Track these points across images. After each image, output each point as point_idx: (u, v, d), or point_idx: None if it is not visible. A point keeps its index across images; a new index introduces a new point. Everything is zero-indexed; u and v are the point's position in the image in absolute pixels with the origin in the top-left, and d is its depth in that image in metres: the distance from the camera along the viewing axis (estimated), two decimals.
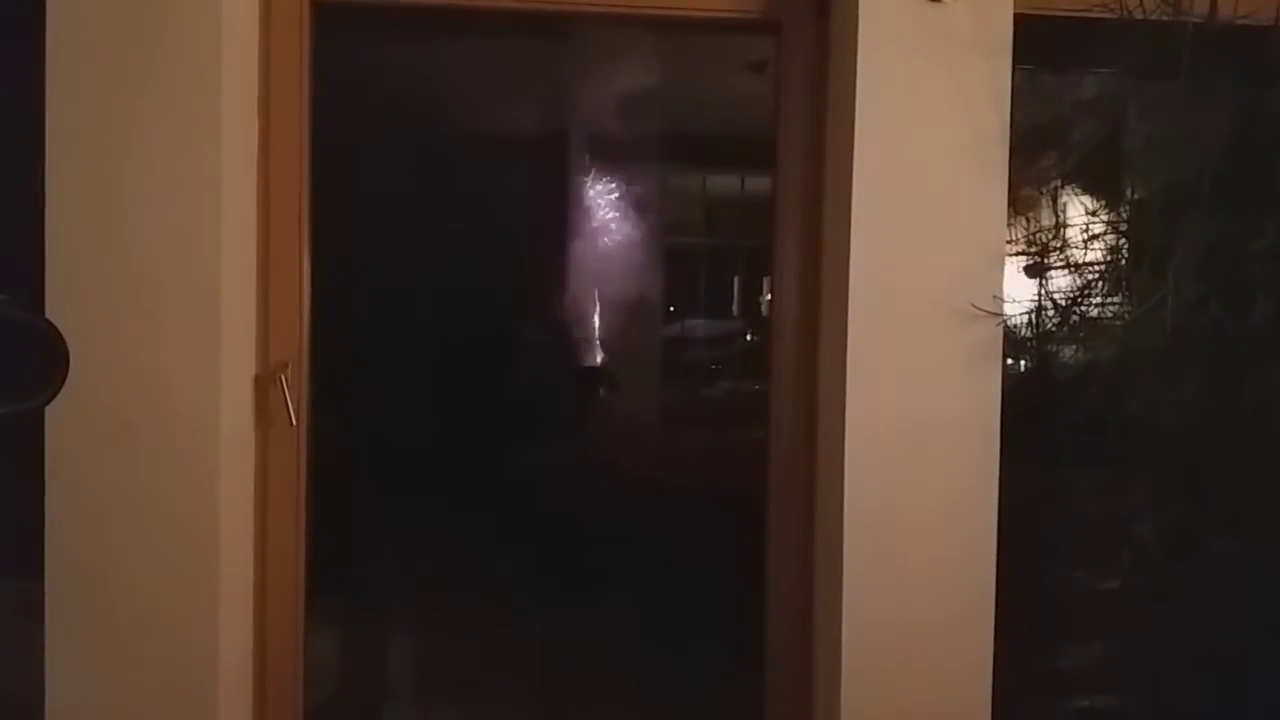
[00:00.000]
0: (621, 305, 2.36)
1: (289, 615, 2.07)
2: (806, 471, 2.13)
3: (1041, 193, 2.07)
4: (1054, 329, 2.02)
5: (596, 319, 2.35)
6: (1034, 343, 2.07)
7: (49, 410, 1.64)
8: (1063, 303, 1.98)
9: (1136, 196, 2.02)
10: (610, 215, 2.34)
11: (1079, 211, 2.04)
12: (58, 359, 1.09)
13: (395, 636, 2.41)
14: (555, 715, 2.41)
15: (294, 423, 2.00)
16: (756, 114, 2.18)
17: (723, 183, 2.50)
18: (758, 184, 2.24)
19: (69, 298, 1.79)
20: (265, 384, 2.01)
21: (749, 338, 2.48)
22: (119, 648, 1.83)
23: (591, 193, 2.32)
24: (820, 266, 2.10)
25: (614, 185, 2.34)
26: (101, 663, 1.83)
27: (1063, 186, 2.08)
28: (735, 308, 2.49)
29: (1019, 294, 2.02)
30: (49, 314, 1.64)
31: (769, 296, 2.23)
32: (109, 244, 1.82)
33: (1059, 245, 2.00)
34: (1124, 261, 1.95)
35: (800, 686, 2.14)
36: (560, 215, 2.33)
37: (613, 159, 2.33)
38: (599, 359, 2.39)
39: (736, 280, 2.49)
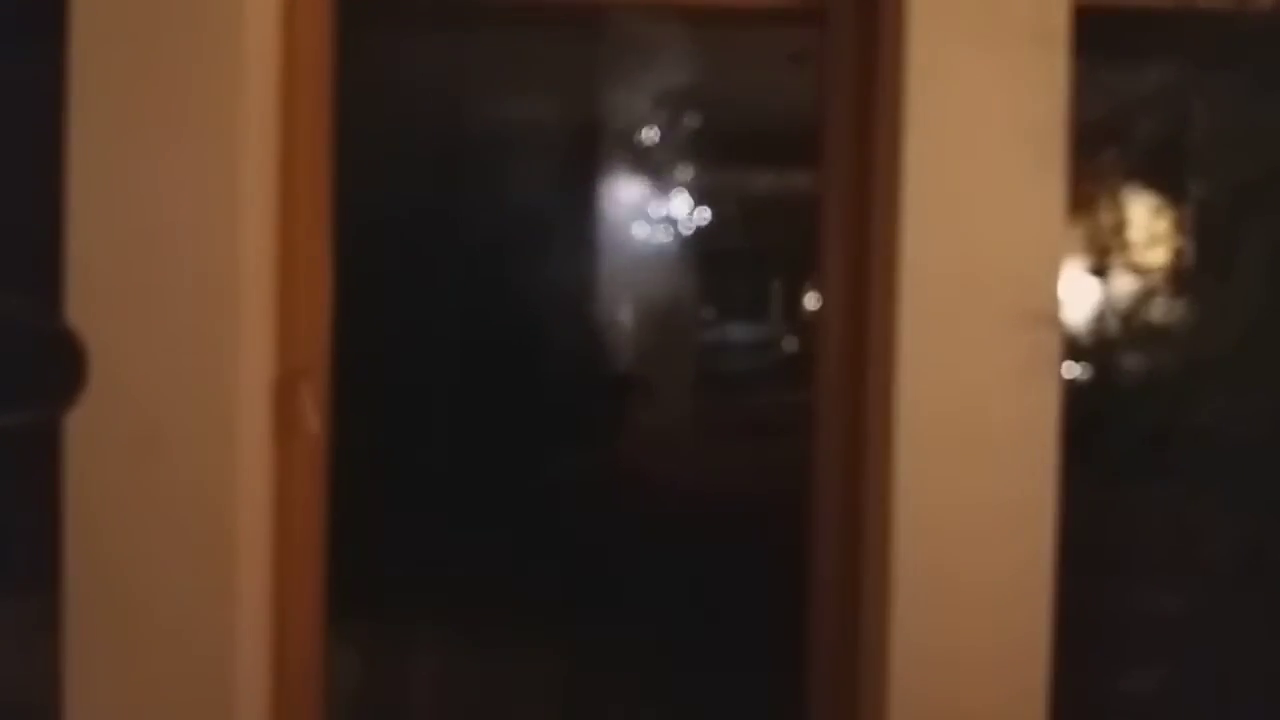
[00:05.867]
0: (656, 309, 2.33)
1: (308, 627, 2.05)
2: (853, 482, 2.08)
3: (1102, 192, 2.01)
4: (1116, 335, 1.96)
5: (630, 324, 2.32)
6: (1095, 350, 2.00)
7: (68, 417, 1.66)
8: (1125, 308, 1.91)
9: (1202, 196, 1.96)
10: (645, 214, 2.30)
11: (1142, 211, 1.98)
12: (79, 365, 1.08)
13: (416, 650, 2.40)
14: None
15: (314, 431, 1.98)
16: (799, 108, 2.15)
17: (763, 181, 2.46)
18: (800, 182, 2.18)
19: (89, 303, 1.78)
20: (285, 391, 1.99)
21: (788, 344, 2.43)
22: (137, 658, 1.83)
23: (625, 191, 2.29)
24: (868, 268, 2.05)
25: (649, 184, 2.30)
26: (119, 673, 1.82)
27: (1124, 185, 2.02)
28: (776, 312, 2.45)
29: (1079, 298, 1.98)
30: (68, 320, 1.66)
31: (812, 300, 2.18)
32: (129, 248, 1.82)
33: (1121, 247, 1.94)
34: (1190, 264, 1.89)
35: (845, 704, 2.08)
36: (592, 215, 2.30)
37: (648, 156, 2.30)
38: (632, 366, 2.36)
39: (777, 283, 2.44)
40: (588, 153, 2.30)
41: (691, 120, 2.29)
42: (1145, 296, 1.91)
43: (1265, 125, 1.77)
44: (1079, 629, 1.92)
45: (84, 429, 1.78)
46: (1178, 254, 1.93)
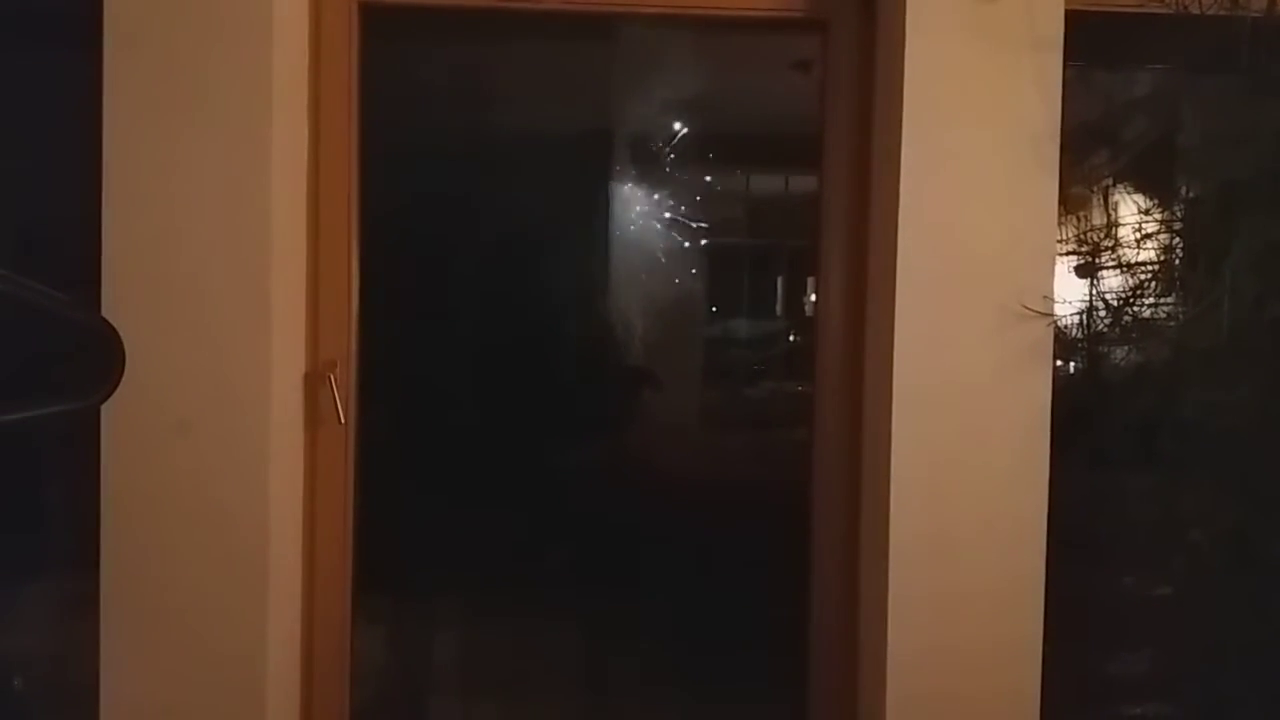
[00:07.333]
0: (665, 305, 2.36)
1: (336, 610, 2.09)
2: (851, 473, 2.11)
3: (1093, 191, 2.03)
4: (1106, 330, 1.98)
5: (640, 319, 2.35)
6: (1085, 344, 2.03)
7: (105, 407, 1.66)
8: (1115, 303, 1.93)
9: (1192, 195, 1.97)
10: (654, 215, 2.33)
11: (1132, 210, 1.99)
12: (115, 358, 1.10)
13: (440, 633, 2.43)
14: (597, 714, 2.41)
15: (342, 421, 2.02)
16: (802, 113, 2.16)
17: (767, 182, 2.48)
18: (802, 184, 2.22)
19: (124, 298, 1.82)
20: (315, 383, 2.03)
21: (792, 338, 2.46)
22: (171, 641, 1.86)
23: (636, 193, 2.32)
24: (866, 266, 2.08)
25: (658, 185, 2.33)
26: (154, 655, 1.86)
27: (1115, 185, 2.04)
28: (779, 308, 2.48)
29: (1070, 294, 1.98)
30: (105, 314, 1.64)
31: (813, 297, 2.21)
32: (163, 245, 1.85)
33: (1111, 244, 1.95)
34: (1178, 261, 1.91)
35: (845, 689, 2.12)
36: (605, 215, 2.33)
37: (657, 159, 2.33)
38: (642, 359, 2.38)
39: (780, 280, 2.47)
40: (600, 156, 2.30)
41: (699, 124, 2.32)
42: (1135, 292, 1.92)
43: (1255, 126, 1.78)
44: (1070, 612, 1.93)
45: (120, 420, 1.81)
46: (1167, 251, 1.94)
